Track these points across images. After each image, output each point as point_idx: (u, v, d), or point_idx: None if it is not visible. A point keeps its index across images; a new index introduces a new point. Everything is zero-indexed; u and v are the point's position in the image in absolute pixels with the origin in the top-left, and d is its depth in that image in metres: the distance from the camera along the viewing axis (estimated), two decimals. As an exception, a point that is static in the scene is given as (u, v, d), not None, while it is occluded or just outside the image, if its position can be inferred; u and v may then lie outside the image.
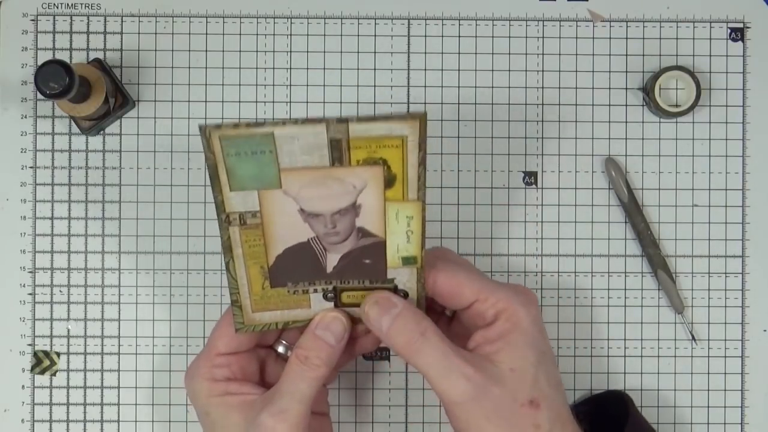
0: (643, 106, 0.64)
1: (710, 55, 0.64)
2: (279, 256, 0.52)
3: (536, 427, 0.51)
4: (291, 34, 0.64)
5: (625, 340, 0.64)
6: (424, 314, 0.53)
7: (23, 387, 0.63)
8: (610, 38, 0.64)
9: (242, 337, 0.55)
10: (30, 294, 0.63)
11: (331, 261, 0.53)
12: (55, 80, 0.55)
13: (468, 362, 0.51)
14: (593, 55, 0.64)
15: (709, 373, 0.64)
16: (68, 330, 0.63)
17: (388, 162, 0.50)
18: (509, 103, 0.64)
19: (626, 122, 0.64)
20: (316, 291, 0.54)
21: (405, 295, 0.54)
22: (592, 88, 0.64)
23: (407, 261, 0.53)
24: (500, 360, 0.52)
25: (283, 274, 0.53)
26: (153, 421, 0.63)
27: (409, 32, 0.64)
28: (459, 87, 0.64)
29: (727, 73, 0.64)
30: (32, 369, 0.63)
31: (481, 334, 0.53)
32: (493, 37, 0.64)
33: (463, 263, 0.56)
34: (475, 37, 0.64)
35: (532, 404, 0.52)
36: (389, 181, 0.50)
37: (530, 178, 0.64)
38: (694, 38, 0.64)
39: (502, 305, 0.53)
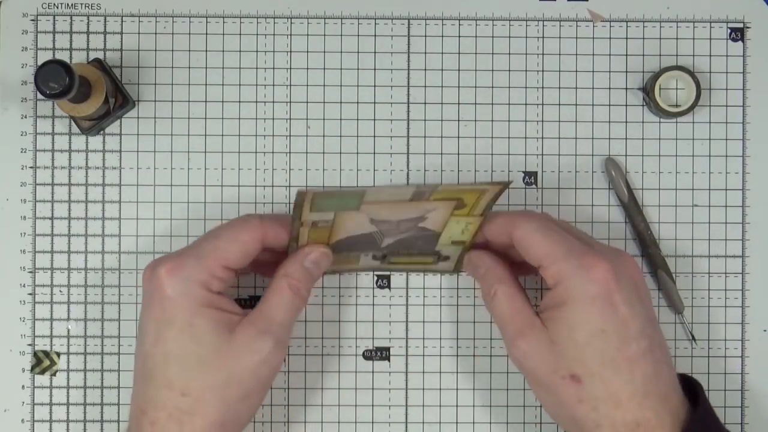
0: (643, 106, 0.64)
1: (710, 55, 0.64)
2: (339, 240, 0.57)
3: (579, 401, 0.52)
4: (291, 34, 0.64)
5: (625, 340, 0.64)
6: (503, 276, 0.56)
7: (23, 387, 0.63)
8: (610, 38, 0.64)
9: (252, 255, 0.55)
10: (30, 294, 0.63)
11: (387, 242, 0.58)
12: (55, 80, 0.55)
13: (519, 325, 0.54)
14: (593, 55, 0.64)
15: (709, 373, 0.64)
16: (68, 330, 0.63)
17: (464, 200, 0.55)
18: (509, 103, 0.64)
19: (626, 122, 0.64)
20: (366, 255, 0.59)
21: (446, 258, 0.60)
22: (592, 88, 0.64)
23: (457, 243, 0.59)
24: (550, 328, 0.54)
25: (340, 248, 0.58)
26: (153, 421, 0.63)
27: (409, 32, 0.64)
28: (459, 87, 0.64)
29: (727, 73, 0.64)
30: (32, 369, 0.63)
31: (548, 296, 0.54)
32: (493, 37, 0.64)
33: (546, 226, 0.56)
34: (475, 37, 0.64)
35: (573, 379, 0.52)
36: (458, 207, 0.56)
37: (530, 178, 0.64)
38: (694, 38, 0.64)
39: (560, 277, 0.53)
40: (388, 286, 0.63)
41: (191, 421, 0.52)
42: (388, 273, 0.63)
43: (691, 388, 0.55)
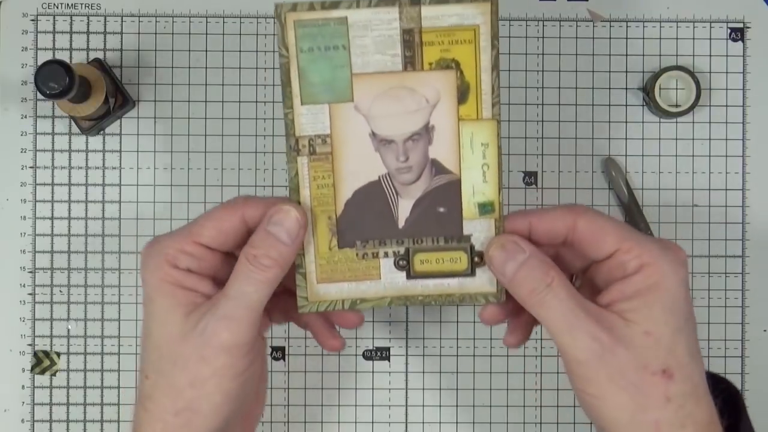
0: (643, 106, 0.64)
1: (710, 55, 0.64)
2: (348, 201, 0.50)
3: (667, 400, 0.47)
4: (291, 34, 0.64)
5: (625, 340, 0.64)
6: (553, 263, 0.48)
7: (23, 387, 0.63)
8: (610, 38, 0.64)
9: (230, 233, 0.49)
10: (30, 294, 0.63)
11: (403, 210, 0.50)
12: (55, 80, 0.55)
13: (595, 319, 0.47)
14: (593, 55, 0.64)
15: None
16: (68, 330, 0.63)
17: (461, 65, 0.49)
18: (509, 103, 0.64)
19: (626, 122, 0.64)
20: (386, 255, 0.51)
21: (482, 260, 0.50)
22: (592, 88, 0.64)
23: (484, 209, 0.50)
24: (635, 320, 0.47)
25: (353, 228, 0.50)
26: (153, 421, 0.63)
27: (409, 32, 0.64)
28: (459, 87, 0.64)
29: (727, 73, 0.64)
30: (32, 369, 0.63)
31: (618, 288, 0.47)
32: (493, 37, 0.64)
33: (608, 215, 0.50)
34: (475, 37, 0.64)
35: (665, 374, 0.47)
36: (462, 93, 0.49)
37: (530, 178, 0.64)
38: (694, 38, 0.64)
39: (647, 258, 0.47)
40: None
41: (152, 408, 0.49)
42: (411, 303, 0.52)
43: (735, 396, 0.53)
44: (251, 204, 0.49)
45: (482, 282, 0.51)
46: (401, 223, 0.50)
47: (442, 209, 0.50)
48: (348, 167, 0.50)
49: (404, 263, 0.51)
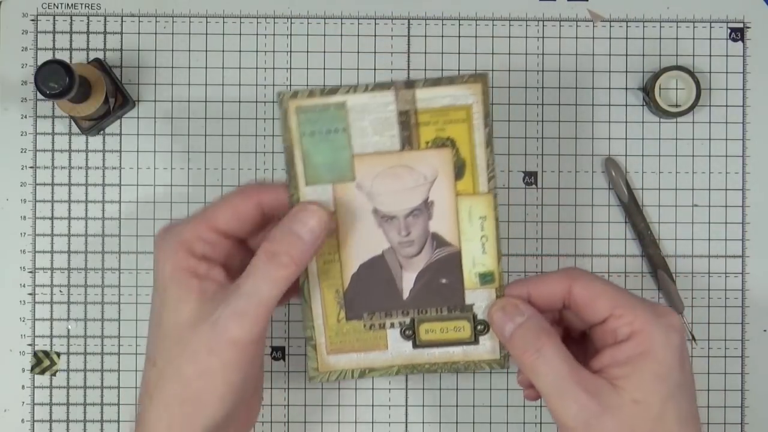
0: (643, 106, 0.64)
1: (710, 55, 0.64)
2: (354, 275, 0.52)
3: None
4: (291, 34, 0.64)
5: (625, 340, 0.64)
6: (550, 329, 0.50)
7: (23, 387, 0.63)
8: (610, 38, 0.64)
9: (246, 219, 0.49)
10: (30, 294, 0.63)
11: (407, 282, 0.52)
12: (55, 80, 0.55)
13: (584, 387, 0.47)
14: (593, 55, 0.64)
15: (709, 373, 0.64)
16: (68, 330, 0.63)
17: (457, 143, 0.50)
18: (509, 103, 0.64)
19: (626, 122, 0.64)
20: (393, 326, 0.53)
21: (485, 327, 0.53)
22: (592, 88, 0.64)
23: (484, 279, 0.52)
24: (624, 387, 0.47)
25: (359, 300, 0.52)
26: (153, 421, 0.63)
27: (409, 32, 0.64)
28: (459, 87, 0.64)
29: (727, 73, 0.64)
30: (32, 369, 0.63)
31: (609, 354, 0.49)
32: (493, 37, 0.64)
33: (603, 279, 0.51)
34: (475, 37, 0.64)
35: None
36: (459, 169, 0.51)
37: (530, 178, 0.64)
38: (694, 38, 0.64)
39: (639, 325, 0.48)
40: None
41: (158, 396, 0.48)
42: (418, 371, 0.54)
43: None
44: (268, 190, 0.50)
45: (485, 350, 0.53)
46: (406, 295, 0.52)
47: (444, 280, 0.52)
48: (353, 243, 0.52)
49: (410, 333, 0.53)
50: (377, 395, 0.63)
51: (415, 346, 0.53)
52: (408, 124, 0.50)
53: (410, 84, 0.50)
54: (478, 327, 0.53)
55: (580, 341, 0.53)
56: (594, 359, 0.50)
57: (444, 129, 0.50)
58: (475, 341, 0.53)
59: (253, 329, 0.47)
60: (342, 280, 0.52)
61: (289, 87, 0.64)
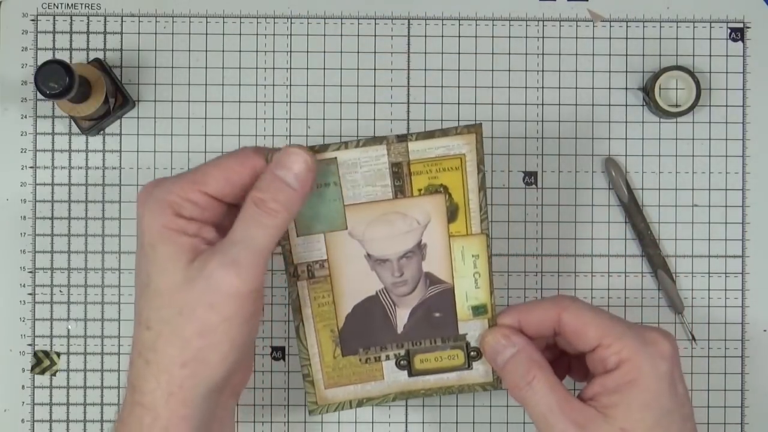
0: (643, 106, 0.64)
1: (710, 55, 0.64)
2: (348, 315, 0.53)
3: None
4: (291, 34, 0.64)
5: (625, 340, 0.64)
6: (541, 360, 0.50)
7: (23, 387, 0.63)
8: (610, 38, 0.64)
9: (238, 185, 0.48)
10: (30, 294, 0.63)
11: (401, 318, 0.53)
12: (55, 80, 0.55)
13: (572, 419, 0.48)
14: (593, 55, 0.64)
15: (709, 373, 0.64)
16: (68, 330, 0.63)
17: (449, 189, 0.51)
18: (509, 103, 0.64)
19: (626, 122, 0.64)
20: (388, 357, 0.54)
21: (478, 354, 0.54)
22: (592, 88, 0.64)
23: (477, 311, 0.53)
24: (613, 416, 0.48)
25: (354, 337, 0.53)
26: (153, 421, 0.63)
27: (409, 32, 0.64)
28: (459, 87, 0.64)
29: (727, 73, 0.64)
30: (32, 369, 0.63)
31: (599, 383, 0.49)
32: (493, 37, 0.64)
33: (593, 307, 0.52)
34: (475, 37, 0.64)
35: None
36: (452, 213, 0.51)
37: (530, 178, 0.64)
38: (694, 38, 0.64)
39: (626, 354, 0.49)
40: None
41: (155, 360, 0.47)
42: (414, 397, 0.56)
43: None
44: (262, 155, 0.48)
45: (479, 374, 0.55)
46: (400, 329, 0.54)
47: (437, 314, 0.54)
48: (346, 286, 0.52)
49: (405, 363, 0.54)
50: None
51: (410, 375, 0.54)
52: (401, 174, 0.50)
53: (402, 138, 0.50)
54: (471, 354, 0.54)
55: (581, 357, 0.53)
56: (586, 388, 0.51)
57: (437, 177, 0.51)
58: (469, 367, 0.54)
59: (251, 278, 0.46)
60: (337, 320, 0.53)
61: (288, 87, 0.64)
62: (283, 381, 0.63)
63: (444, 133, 0.50)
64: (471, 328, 0.54)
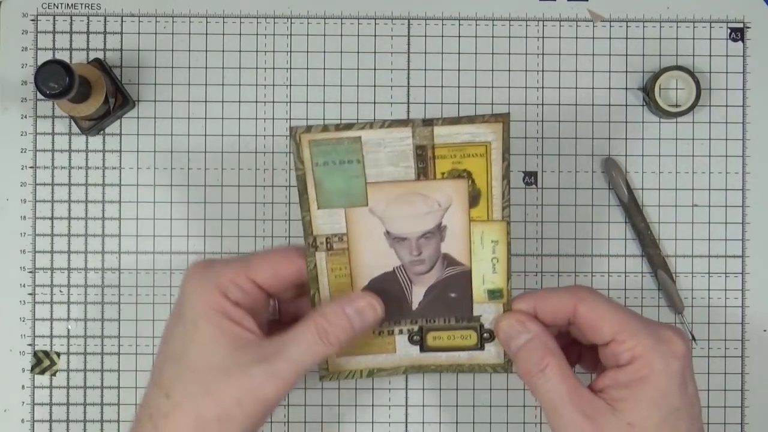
0: (643, 106, 0.64)
1: (710, 55, 0.64)
2: (365, 288, 0.53)
3: None
4: (291, 34, 0.64)
5: (625, 340, 0.64)
6: (555, 348, 0.51)
7: (23, 387, 0.63)
8: (610, 38, 0.64)
9: (284, 279, 0.51)
10: (30, 294, 0.63)
11: (417, 295, 0.53)
12: (55, 80, 0.55)
13: (581, 409, 0.49)
14: (593, 55, 0.64)
15: (709, 373, 0.64)
16: (68, 330, 0.63)
17: (473, 175, 0.51)
18: (509, 103, 0.64)
19: (626, 122, 0.64)
20: (401, 332, 0.54)
21: (490, 336, 0.54)
22: (592, 88, 0.64)
23: (493, 295, 0.53)
24: (621, 410, 0.49)
25: None
26: (153, 421, 0.63)
27: (409, 32, 0.64)
28: (459, 87, 0.64)
29: (727, 73, 0.64)
30: (32, 369, 0.63)
31: (610, 376, 0.50)
32: (493, 37, 0.64)
33: (609, 300, 0.52)
34: (475, 37, 0.64)
35: None
36: (474, 198, 0.51)
37: (530, 178, 0.64)
38: (694, 38, 0.64)
39: (639, 351, 0.49)
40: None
41: (164, 428, 0.49)
42: (424, 371, 0.56)
43: None
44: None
45: (490, 355, 0.55)
46: (415, 306, 0.54)
47: (453, 294, 0.53)
48: (364, 261, 0.52)
49: (418, 339, 0.54)
50: (377, 395, 0.63)
51: (422, 350, 0.55)
52: (424, 156, 0.50)
53: (428, 122, 0.49)
54: (484, 335, 0.54)
55: (593, 348, 0.53)
56: (597, 379, 0.51)
57: (461, 162, 0.50)
58: (481, 348, 0.54)
59: (285, 391, 0.49)
60: (353, 291, 0.53)
61: (288, 87, 0.64)
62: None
63: (470, 120, 0.49)
64: (486, 311, 0.54)
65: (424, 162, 0.50)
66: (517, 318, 0.52)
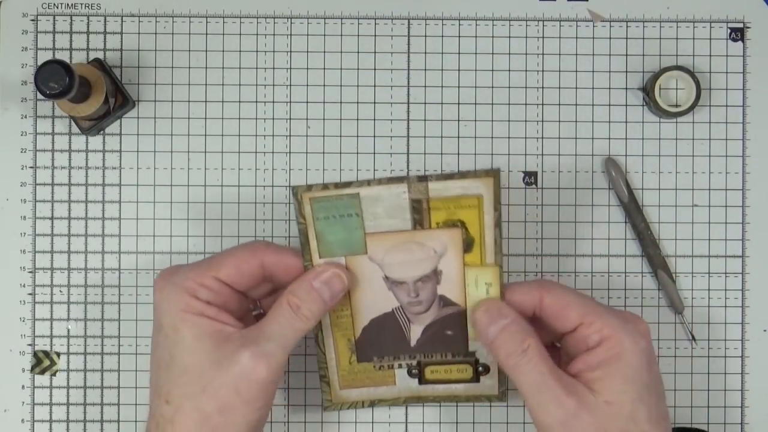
0: (643, 106, 0.64)
1: (710, 55, 0.64)
2: (365, 327, 0.56)
3: None
4: (291, 34, 0.64)
5: (625, 340, 0.64)
6: (532, 331, 0.52)
7: (23, 387, 0.63)
8: (610, 38, 0.64)
9: (247, 274, 0.53)
10: (30, 294, 0.63)
11: (415, 333, 0.56)
12: (55, 80, 0.55)
13: (563, 386, 0.50)
14: (593, 55, 0.64)
15: (709, 373, 0.64)
16: (68, 330, 0.63)
17: (466, 224, 0.53)
18: (509, 103, 0.64)
19: (626, 122, 0.64)
20: (400, 366, 0.57)
21: (486, 369, 0.57)
22: (592, 88, 0.64)
23: None
24: (598, 390, 0.51)
25: (370, 347, 0.57)
26: (153, 421, 0.63)
27: (409, 32, 0.64)
28: (459, 87, 0.64)
29: (727, 73, 0.64)
30: (32, 369, 0.63)
31: (582, 360, 0.52)
32: (493, 37, 0.64)
33: (573, 290, 0.54)
34: (475, 37, 0.64)
35: None
36: (468, 245, 0.53)
37: (530, 178, 0.64)
38: (694, 38, 0.64)
39: (607, 332, 0.51)
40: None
41: (172, 431, 0.51)
42: (423, 402, 0.60)
43: None
44: (272, 251, 0.53)
45: (486, 387, 0.58)
46: (413, 343, 0.56)
47: (449, 332, 0.56)
48: (364, 302, 0.55)
49: (416, 372, 0.58)
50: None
51: (420, 382, 0.58)
52: (420, 209, 0.52)
53: (423, 178, 0.51)
54: (480, 369, 0.57)
55: (551, 351, 0.54)
56: (569, 366, 0.52)
57: (455, 213, 0.53)
58: (477, 380, 0.57)
59: (277, 370, 0.51)
60: (354, 331, 0.56)
61: (288, 87, 0.64)
62: (283, 381, 0.63)
63: (462, 175, 0.52)
64: (480, 346, 0.56)
65: (419, 213, 0.52)
66: (493, 303, 0.53)
